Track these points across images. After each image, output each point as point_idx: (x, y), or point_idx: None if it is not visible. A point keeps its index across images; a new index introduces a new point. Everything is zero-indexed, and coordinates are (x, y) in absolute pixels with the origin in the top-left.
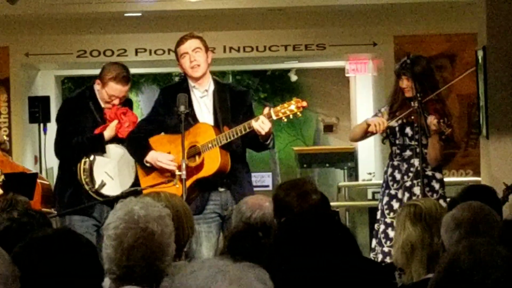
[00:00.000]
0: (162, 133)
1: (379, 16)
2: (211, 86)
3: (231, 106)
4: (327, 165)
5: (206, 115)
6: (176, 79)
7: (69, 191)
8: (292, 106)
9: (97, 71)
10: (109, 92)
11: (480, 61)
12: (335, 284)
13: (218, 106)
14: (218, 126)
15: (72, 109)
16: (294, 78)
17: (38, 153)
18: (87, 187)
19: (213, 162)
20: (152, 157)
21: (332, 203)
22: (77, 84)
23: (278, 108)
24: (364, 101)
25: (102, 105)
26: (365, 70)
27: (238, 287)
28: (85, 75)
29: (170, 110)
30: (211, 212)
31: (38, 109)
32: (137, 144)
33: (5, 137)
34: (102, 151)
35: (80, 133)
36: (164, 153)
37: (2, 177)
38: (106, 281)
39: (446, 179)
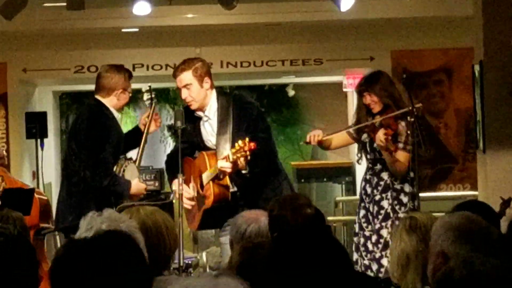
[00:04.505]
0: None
1: (376, 30)
2: (212, 108)
3: (234, 120)
4: (325, 179)
5: (211, 138)
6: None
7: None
8: (245, 147)
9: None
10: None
11: (477, 75)
12: None
13: (219, 128)
14: (219, 150)
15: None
16: (291, 93)
17: (35, 168)
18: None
19: (209, 196)
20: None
21: (329, 218)
22: (74, 99)
23: (233, 151)
24: None
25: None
26: None
27: None
28: (82, 91)
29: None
30: None
31: (35, 125)
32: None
33: (4, 152)
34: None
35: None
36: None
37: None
38: None
39: (443, 194)
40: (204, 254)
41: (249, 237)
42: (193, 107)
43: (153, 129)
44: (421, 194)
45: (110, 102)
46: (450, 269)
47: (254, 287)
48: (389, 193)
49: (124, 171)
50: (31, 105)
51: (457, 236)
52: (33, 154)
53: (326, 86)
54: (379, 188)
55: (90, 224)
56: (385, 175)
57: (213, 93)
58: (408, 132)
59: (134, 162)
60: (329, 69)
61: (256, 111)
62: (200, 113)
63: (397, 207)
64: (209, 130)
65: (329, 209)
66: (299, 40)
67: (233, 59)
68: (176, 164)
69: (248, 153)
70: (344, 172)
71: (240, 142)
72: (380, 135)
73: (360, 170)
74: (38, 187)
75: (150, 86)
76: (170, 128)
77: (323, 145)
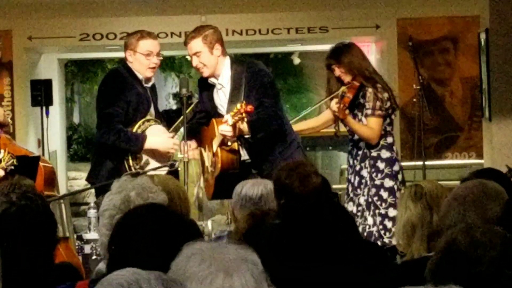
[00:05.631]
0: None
1: None
2: (226, 76)
3: (246, 87)
4: (330, 148)
5: (224, 105)
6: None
7: (109, 165)
8: (242, 110)
9: (99, 54)
10: (144, 51)
11: (482, 43)
12: (336, 266)
13: (231, 95)
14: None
15: (120, 87)
16: (297, 61)
17: (40, 136)
18: (132, 163)
19: (218, 162)
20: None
21: (335, 186)
22: (80, 67)
23: (232, 114)
24: None
25: (144, 75)
26: (368, 52)
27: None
28: (88, 58)
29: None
30: None
31: (40, 92)
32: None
33: (9, 120)
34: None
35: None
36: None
37: (14, 160)
38: (102, 266)
39: (449, 162)
40: (209, 222)
41: (254, 199)
42: (205, 74)
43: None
44: (426, 163)
45: (131, 64)
46: (453, 238)
47: (260, 254)
48: (367, 162)
49: (144, 130)
50: (37, 73)
51: (467, 206)
52: (38, 122)
53: None
54: (358, 158)
55: (121, 188)
56: (362, 144)
57: (226, 61)
58: (380, 97)
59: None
60: (334, 37)
61: (267, 78)
62: (213, 80)
63: (373, 175)
64: (222, 98)
65: (334, 177)
66: (304, 8)
67: (238, 27)
68: (189, 130)
69: (244, 115)
70: None
71: (238, 105)
72: (332, 104)
73: None
74: (43, 155)
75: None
76: (176, 95)
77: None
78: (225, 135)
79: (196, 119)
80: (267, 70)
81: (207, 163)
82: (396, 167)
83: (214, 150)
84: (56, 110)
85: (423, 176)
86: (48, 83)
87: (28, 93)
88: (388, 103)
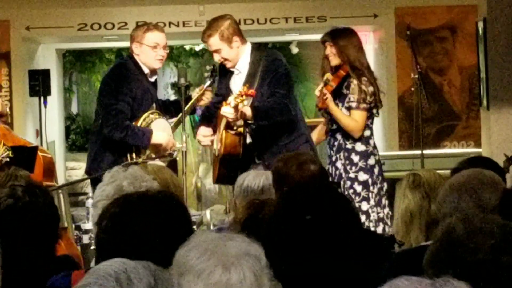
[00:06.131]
0: None
1: None
2: (244, 61)
3: (261, 74)
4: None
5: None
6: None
7: (110, 158)
8: (243, 92)
9: (98, 44)
10: (150, 43)
11: (480, 32)
12: (334, 256)
13: (245, 81)
14: None
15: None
16: (295, 50)
17: (39, 126)
18: (135, 156)
19: (222, 144)
20: None
21: None
22: (78, 57)
23: (235, 96)
24: None
25: (152, 66)
26: (366, 42)
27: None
28: (86, 48)
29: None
30: None
31: (38, 83)
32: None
33: (7, 110)
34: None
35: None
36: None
37: (10, 152)
38: None
39: (447, 151)
40: (208, 211)
41: (256, 191)
42: (228, 66)
43: (203, 103)
44: (425, 152)
45: (138, 57)
46: (451, 227)
47: (260, 242)
48: (341, 153)
49: (149, 124)
50: (35, 63)
51: (464, 194)
52: (36, 112)
53: None
54: (334, 149)
55: (113, 178)
56: (339, 135)
57: (247, 47)
58: (365, 90)
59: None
60: (332, 26)
61: (283, 69)
62: (233, 68)
63: (348, 167)
64: (238, 83)
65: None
66: None
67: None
68: (205, 116)
69: (244, 97)
70: None
71: (241, 87)
72: (316, 91)
73: None
74: (41, 145)
75: (214, 66)
76: (174, 85)
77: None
78: (226, 116)
79: (213, 104)
80: (284, 61)
81: (215, 145)
82: (371, 161)
83: (220, 132)
84: (54, 100)
85: (421, 165)
86: (46, 73)
87: (26, 83)
88: (372, 97)
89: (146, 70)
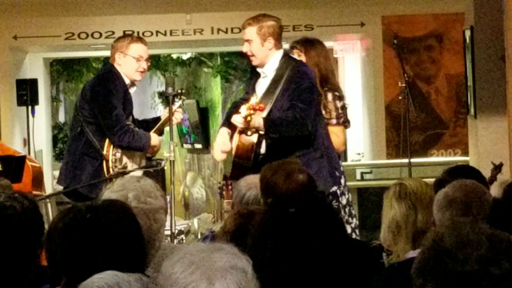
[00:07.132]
0: None
1: None
2: (272, 66)
3: (284, 84)
4: None
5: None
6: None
7: (89, 169)
8: (253, 106)
9: (85, 53)
10: (135, 54)
11: (467, 40)
12: (322, 266)
13: (269, 87)
14: None
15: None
16: None
17: (26, 135)
18: (111, 165)
19: (235, 146)
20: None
21: None
22: (65, 66)
23: (246, 106)
24: (353, 81)
25: (132, 78)
26: (353, 50)
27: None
28: (73, 57)
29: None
30: None
31: (26, 92)
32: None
33: None
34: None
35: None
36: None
37: None
38: None
39: (434, 159)
40: (195, 220)
41: (246, 202)
42: (253, 62)
43: (176, 122)
44: (412, 160)
45: (119, 67)
46: (439, 236)
47: (247, 253)
48: None
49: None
50: (22, 72)
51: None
52: (24, 121)
53: None
54: None
55: (123, 186)
56: None
57: (278, 54)
58: (338, 106)
59: None
60: (319, 35)
61: (308, 82)
62: (259, 69)
63: None
64: (263, 86)
65: None
66: (289, 6)
67: (223, 25)
68: (229, 116)
69: (252, 111)
70: None
71: (253, 99)
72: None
73: (351, 136)
74: (29, 154)
75: (182, 89)
76: (161, 94)
77: None
78: (235, 124)
79: (241, 100)
80: (312, 75)
81: (233, 144)
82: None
83: (237, 132)
84: (42, 109)
85: (408, 173)
86: (33, 83)
87: (14, 92)
88: (343, 112)
89: (127, 81)
